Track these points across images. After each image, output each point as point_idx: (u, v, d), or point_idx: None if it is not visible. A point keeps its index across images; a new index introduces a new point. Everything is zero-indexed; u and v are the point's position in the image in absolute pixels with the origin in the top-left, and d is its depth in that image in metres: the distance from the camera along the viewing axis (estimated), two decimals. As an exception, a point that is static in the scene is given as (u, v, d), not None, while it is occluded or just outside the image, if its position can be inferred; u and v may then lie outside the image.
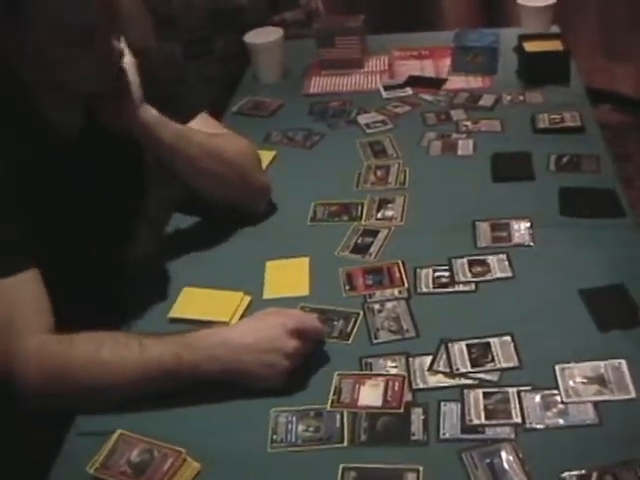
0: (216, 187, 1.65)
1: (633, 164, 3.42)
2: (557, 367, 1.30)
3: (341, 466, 1.17)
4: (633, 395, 1.24)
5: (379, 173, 1.91)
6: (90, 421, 1.29)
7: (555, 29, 2.42)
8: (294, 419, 1.27)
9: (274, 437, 1.24)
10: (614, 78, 3.80)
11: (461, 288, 1.52)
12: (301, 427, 1.25)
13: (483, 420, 1.23)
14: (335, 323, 1.46)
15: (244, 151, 1.73)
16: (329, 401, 1.29)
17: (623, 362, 1.29)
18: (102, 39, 1.35)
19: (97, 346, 1.29)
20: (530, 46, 2.22)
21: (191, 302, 1.52)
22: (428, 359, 1.36)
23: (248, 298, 1.52)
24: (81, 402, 1.30)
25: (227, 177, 1.65)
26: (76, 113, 1.47)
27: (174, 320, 1.48)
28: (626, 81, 3.84)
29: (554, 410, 1.23)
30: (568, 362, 1.31)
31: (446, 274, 1.55)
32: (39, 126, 1.42)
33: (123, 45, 1.43)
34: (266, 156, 2.00)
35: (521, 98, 2.17)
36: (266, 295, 1.54)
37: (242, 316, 1.48)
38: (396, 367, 1.35)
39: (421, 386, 1.31)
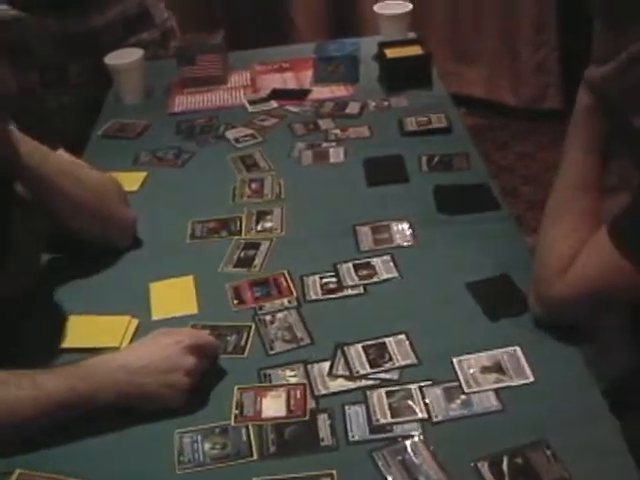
0: (77, 214, 1.59)
1: (493, 164, 3.53)
2: (454, 359, 1.32)
3: (254, 480, 1.15)
4: (531, 379, 1.27)
5: (254, 186, 1.90)
6: (-16, 463, 1.22)
7: (412, 35, 2.47)
8: (199, 438, 1.24)
9: (181, 458, 1.21)
10: (465, 82, 3.92)
11: (350, 292, 1.52)
12: (207, 445, 1.22)
13: (389, 419, 1.23)
14: (228, 338, 1.43)
15: (106, 180, 1.68)
16: (232, 416, 1.27)
17: (517, 349, 1.32)
18: None
19: None
20: (391, 52, 2.26)
21: (79, 331, 1.47)
22: (326, 365, 1.35)
23: (135, 321, 1.48)
24: None
25: (88, 204, 1.60)
26: None
27: (65, 350, 1.43)
28: (476, 84, 3.97)
29: (457, 402, 1.25)
30: (464, 354, 1.32)
31: (333, 280, 1.55)
32: None
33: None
34: (137, 178, 1.97)
35: (386, 104, 2.20)
36: (155, 317, 1.51)
37: (132, 340, 1.44)
38: (295, 376, 1.34)
39: (323, 392, 1.30)
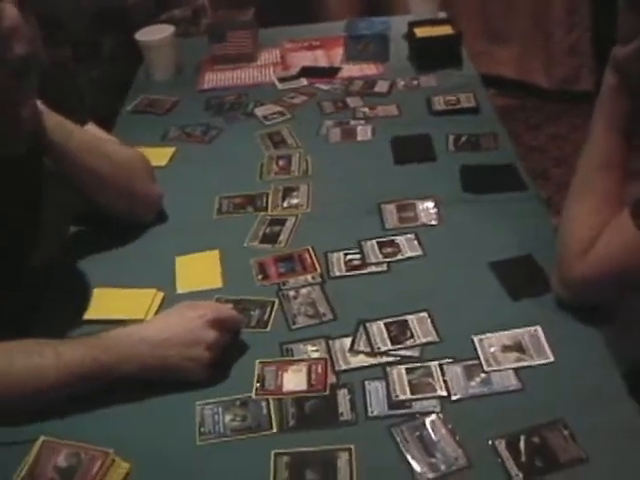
0: (103, 190, 1.61)
1: (523, 145, 3.51)
2: (475, 338, 1.32)
3: (273, 452, 1.16)
4: (551, 359, 1.27)
5: (281, 163, 1.90)
6: (10, 431, 1.24)
7: (443, 15, 2.46)
8: (220, 410, 1.25)
9: (202, 430, 1.22)
10: (496, 62, 3.90)
11: (373, 269, 1.53)
12: (228, 417, 1.24)
13: (409, 395, 1.24)
14: (252, 313, 1.45)
15: (134, 156, 1.70)
16: (253, 389, 1.28)
17: (539, 328, 1.32)
18: (11, 106, 1.31)
19: (9, 358, 1.24)
20: (421, 32, 2.26)
21: (104, 302, 1.49)
22: (348, 340, 1.36)
23: (161, 294, 1.50)
24: None
25: (115, 180, 1.61)
26: None
27: (88, 322, 1.45)
28: (508, 65, 3.94)
29: (477, 380, 1.25)
30: (485, 332, 1.33)
31: (357, 257, 1.56)
32: None
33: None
34: (165, 153, 1.98)
35: (415, 83, 2.20)
36: (179, 290, 1.52)
37: (157, 312, 1.45)
38: (317, 351, 1.35)
39: (344, 367, 1.31)
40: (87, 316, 1.46)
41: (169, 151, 1.99)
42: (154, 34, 2.33)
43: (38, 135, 1.47)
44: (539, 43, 3.88)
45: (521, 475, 1.10)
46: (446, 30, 2.26)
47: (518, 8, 3.85)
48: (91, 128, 1.67)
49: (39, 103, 1.48)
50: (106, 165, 1.60)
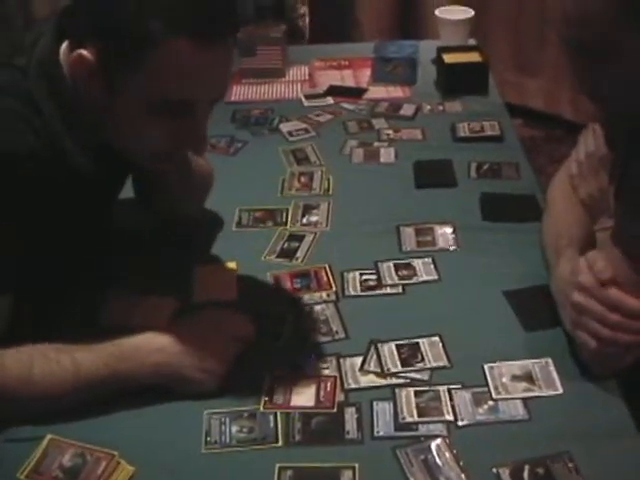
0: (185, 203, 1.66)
1: (545, 176, 3.50)
2: (486, 366, 1.32)
3: (277, 465, 1.17)
4: (560, 391, 1.27)
5: (303, 180, 1.92)
6: (18, 427, 1.25)
7: (472, 42, 2.47)
8: (227, 420, 1.26)
9: (208, 439, 1.23)
10: (525, 93, 3.90)
11: (388, 291, 1.54)
12: (235, 428, 1.25)
13: (416, 418, 1.24)
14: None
15: (210, 173, 1.75)
16: (262, 402, 1.29)
17: (549, 360, 1.33)
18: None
19: (28, 366, 1.25)
20: (449, 58, 2.27)
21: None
22: (359, 360, 1.37)
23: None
24: (13, 415, 1.25)
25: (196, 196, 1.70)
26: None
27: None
28: (536, 96, 3.94)
29: (485, 407, 1.26)
30: (496, 361, 1.33)
31: (373, 277, 1.57)
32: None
33: None
34: (189, 163, 1.99)
35: (441, 108, 2.21)
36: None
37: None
38: (327, 368, 1.36)
39: (353, 386, 1.32)
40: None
41: (193, 161, 2.01)
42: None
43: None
44: (568, 75, 3.88)
45: (523, 505, 1.10)
46: (474, 57, 2.28)
47: (549, 39, 3.85)
48: None
49: None
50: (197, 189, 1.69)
